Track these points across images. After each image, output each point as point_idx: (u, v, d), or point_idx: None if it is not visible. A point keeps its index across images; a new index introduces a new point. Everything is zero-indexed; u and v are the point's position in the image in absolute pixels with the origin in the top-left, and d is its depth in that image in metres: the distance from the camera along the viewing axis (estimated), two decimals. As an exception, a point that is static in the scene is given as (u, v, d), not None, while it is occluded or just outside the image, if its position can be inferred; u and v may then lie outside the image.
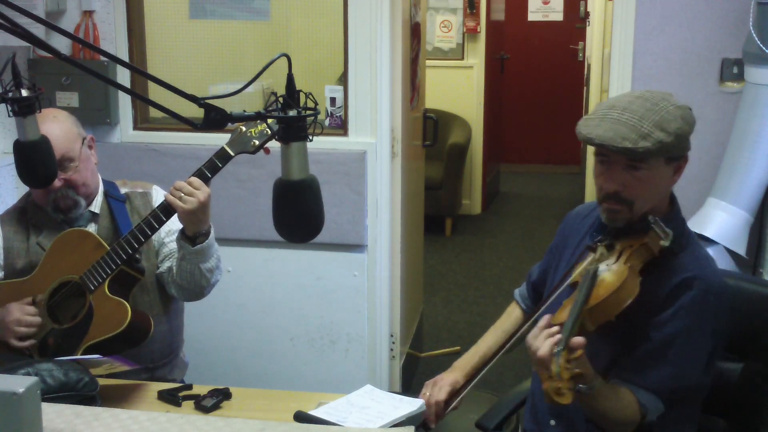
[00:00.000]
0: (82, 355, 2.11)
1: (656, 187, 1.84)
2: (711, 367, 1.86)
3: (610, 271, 1.79)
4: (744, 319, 1.98)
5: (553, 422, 2.00)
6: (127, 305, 2.13)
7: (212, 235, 2.23)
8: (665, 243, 1.77)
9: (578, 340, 1.69)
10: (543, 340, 1.73)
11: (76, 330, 2.16)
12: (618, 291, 1.74)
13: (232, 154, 2.12)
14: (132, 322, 2.11)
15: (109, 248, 2.17)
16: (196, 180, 2.12)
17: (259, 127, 2.07)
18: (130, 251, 2.14)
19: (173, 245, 2.34)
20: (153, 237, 2.29)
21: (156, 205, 2.33)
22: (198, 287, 2.30)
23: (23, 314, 2.18)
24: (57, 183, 2.25)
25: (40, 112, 1.90)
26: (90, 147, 2.39)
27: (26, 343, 2.17)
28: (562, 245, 2.12)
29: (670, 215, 1.90)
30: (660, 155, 1.79)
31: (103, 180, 2.43)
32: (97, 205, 2.38)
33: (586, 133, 1.81)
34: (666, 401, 1.82)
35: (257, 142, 2.08)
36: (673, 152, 1.80)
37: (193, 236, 2.19)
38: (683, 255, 1.84)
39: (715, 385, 1.95)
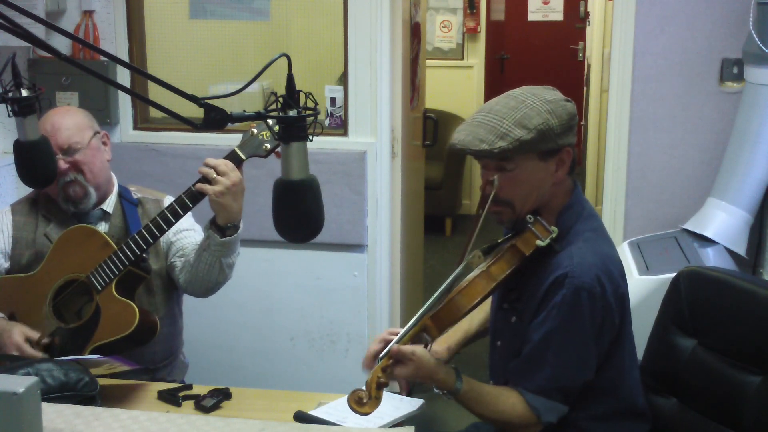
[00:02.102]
0: (88, 355, 2.10)
1: (532, 185, 1.82)
2: (608, 361, 1.84)
3: (470, 275, 1.78)
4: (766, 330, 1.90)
5: None
6: (135, 307, 2.12)
7: (240, 229, 2.20)
8: (542, 243, 1.76)
9: (396, 349, 1.71)
10: (375, 344, 1.82)
11: (82, 330, 2.15)
12: (460, 295, 1.74)
13: (243, 157, 2.10)
14: (140, 323, 2.11)
15: (116, 247, 2.16)
16: (226, 162, 2.08)
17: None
18: (138, 252, 2.13)
19: (181, 243, 2.35)
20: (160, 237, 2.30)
21: None
22: (212, 282, 2.26)
23: (23, 347, 2.10)
24: (63, 165, 2.25)
25: (40, 112, 1.90)
26: (104, 143, 2.39)
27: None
28: None
29: (562, 210, 1.87)
30: (524, 152, 1.76)
31: (118, 183, 2.43)
32: (110, 205, 2.38)
33: (452, 139, 1.82)
34: (561, 400, 1.81)
35: (269, 146, 2.06)
36: (540, 148, 1.77)
37: (223, 226, 2.16)
38: (563, 252, 1.80)
39: (732, 398, 1.92)
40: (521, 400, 1.80)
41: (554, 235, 1.77)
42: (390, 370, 1.71)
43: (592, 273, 1.76)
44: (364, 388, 1.68)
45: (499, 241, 1.90)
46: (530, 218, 1.79)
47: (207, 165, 2.09)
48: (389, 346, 1.73)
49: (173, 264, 2.35)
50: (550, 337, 1.78)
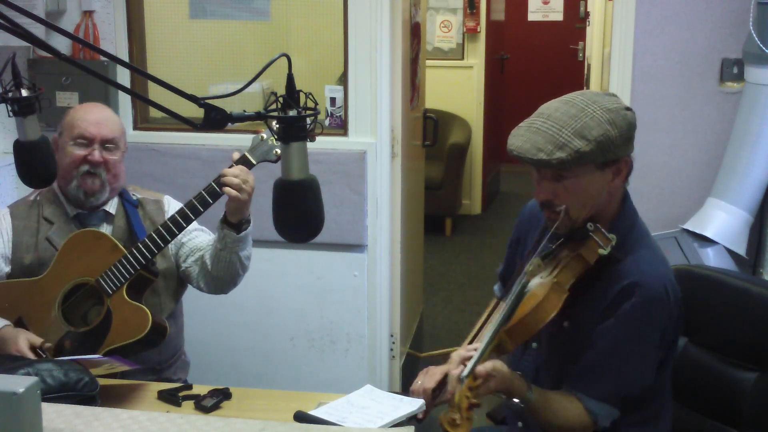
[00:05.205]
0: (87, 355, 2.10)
1: (589, 195, 1.79)
2: (657, 367, 1.84)
3: (538, 286, 1.76)
4: (763, 328, 1.91)
5: (520, 424, 2.00)
6: (147, 311, 2.13)
7: (251, 223, 2.23)
8: (604, 252, 1.74)
9: (481, 369, 1.69)
10: (456, 363, 1.77)
11: (93, 334, 2.15)
12: (536, 310, 1.72)
13: (254, 162, 2.13)
14: (152, 326, 2.12)
15: (126, 251, 2.16)
16: (244, 170, 2.12)
17: None
18: (149, 256, 2.14)
19: (193, 243, 2.36)
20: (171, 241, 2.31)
21: (168, 213, 2.34)
22: (234, 275, 2.29)
23: (27, 355, 2.06)
24: (97, 156, 2.27)
25: (41, 112, 1.90)
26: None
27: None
28: (523, 240, 2.08)
29: (616, 217, 1.85)
30: (581, 164, 1.72)
31: None
32: (112, 206, 2.38)
33: (509, 144, 1.78)
34: (619, 405, 1.82)
35: (278, 152, 2.09)
36: (597, 159, 1.73)
37: (238, 223, 2.19)
38: (626, 260, 1.80)
39: (729, 395, 1.93)
40: (579, 405, 1.81)
41: (614, 243, 1.76)
42: (476, 389, 1.70)
43: (661, 283, 1.78)
44: (454, 411, 1.65)
45: (553, 247, 1.87)
46: (591, 226, 1.77)
47: (230, 175, 2.11)
48: (469, 366, 1.71)
49: (189, 270, 2.36)
50: (618, 346, 1.78)
